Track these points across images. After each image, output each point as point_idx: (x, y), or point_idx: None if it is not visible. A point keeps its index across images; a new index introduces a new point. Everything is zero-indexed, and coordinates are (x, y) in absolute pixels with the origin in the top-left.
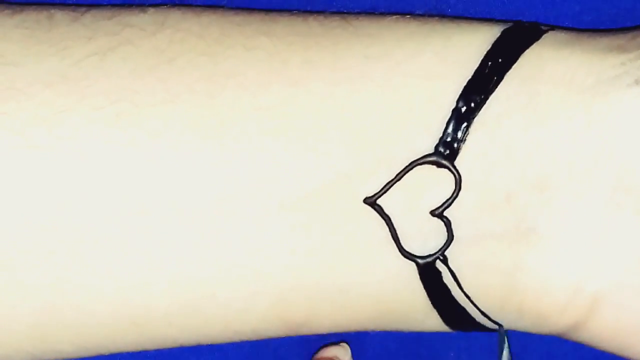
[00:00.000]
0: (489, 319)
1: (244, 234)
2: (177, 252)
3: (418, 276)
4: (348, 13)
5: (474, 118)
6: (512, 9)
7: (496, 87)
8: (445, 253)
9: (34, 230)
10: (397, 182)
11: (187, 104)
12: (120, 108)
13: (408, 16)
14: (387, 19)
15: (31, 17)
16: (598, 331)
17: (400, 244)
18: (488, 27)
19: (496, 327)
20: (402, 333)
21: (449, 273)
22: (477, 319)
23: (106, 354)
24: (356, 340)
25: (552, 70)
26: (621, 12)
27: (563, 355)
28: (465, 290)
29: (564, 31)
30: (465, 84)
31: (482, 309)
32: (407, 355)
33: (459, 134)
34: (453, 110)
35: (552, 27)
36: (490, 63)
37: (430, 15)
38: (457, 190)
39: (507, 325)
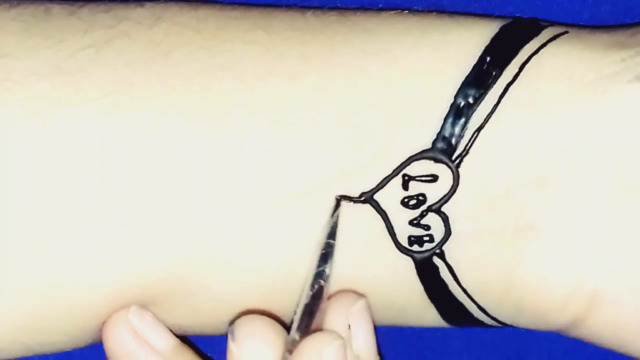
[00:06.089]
0: (487, 314)
1: (238, 228)
2: (171, 244)
3: (415, 271)
4: (346, 8)
5: (472, 113)
6: (510, 7)
7: (495, 82)
8: (443, 248)
9: (28, 223)
10: (394, 177)
11: (183, 96)
12: (116, 100)
13: (406, 12)
14: (384, 14)
15: (28, 11)
16: (597, 328)
17: (396, 239)
18: (486, 23)
19: (494, 322)
20: (405, 334)
21: (446, 268)
22: (475, 315)
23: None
24: None
25: (552, 66)
26: (619, 9)
27: (563, 355)
28: (463, 285)
29: (564, 27)
30: (463, 79)
31: (480, 305)
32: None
33: (457, 130)
34: (451, 106)
35: (552, 23)
36: (488, 58)
37: (429, 12)
38: (454, 186)
39: (506, 320)
